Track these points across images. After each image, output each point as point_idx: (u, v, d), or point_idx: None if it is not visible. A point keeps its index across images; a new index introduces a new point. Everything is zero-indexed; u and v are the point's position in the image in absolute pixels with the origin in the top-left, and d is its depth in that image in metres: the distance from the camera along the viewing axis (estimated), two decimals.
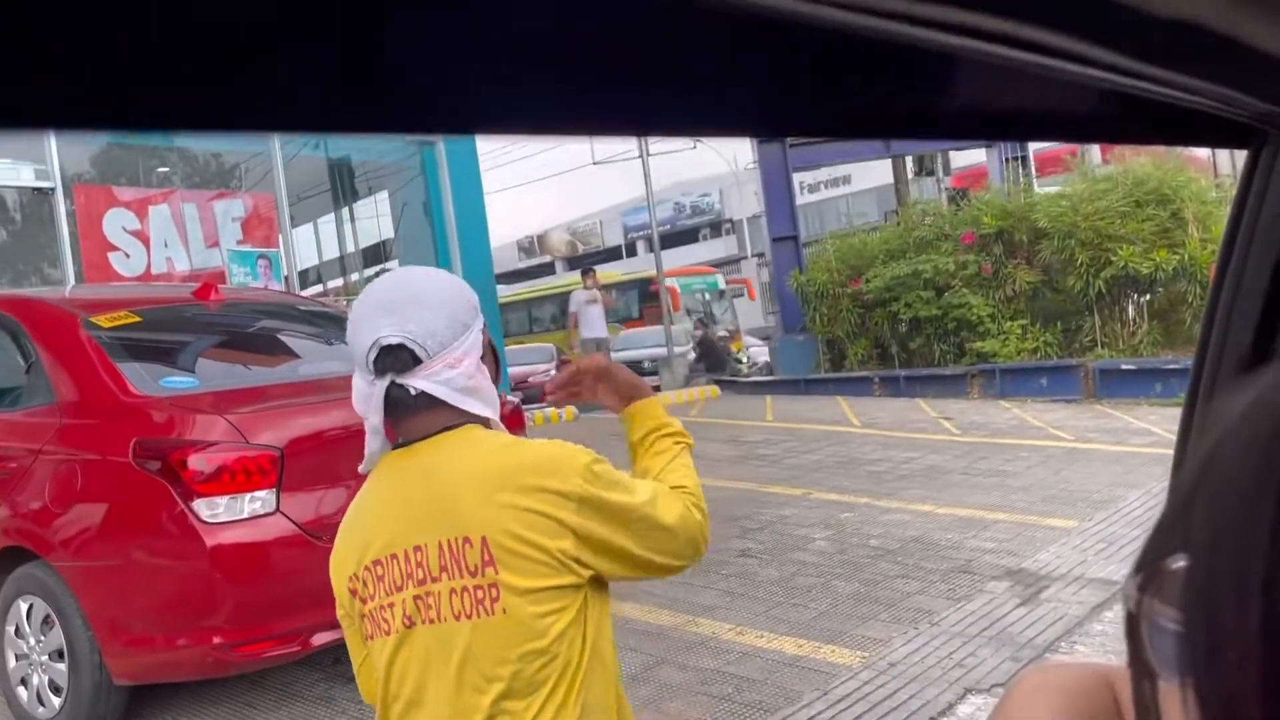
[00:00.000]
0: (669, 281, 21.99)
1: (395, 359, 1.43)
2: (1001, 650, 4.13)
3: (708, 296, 23.73)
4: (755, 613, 4.78)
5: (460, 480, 1.41)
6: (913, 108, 0.57)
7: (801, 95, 0.52)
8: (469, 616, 1.38)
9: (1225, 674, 0.35)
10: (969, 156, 17.64)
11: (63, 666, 3.67)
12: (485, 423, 1.49)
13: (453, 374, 1.44)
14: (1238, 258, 0.71)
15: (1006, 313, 12.20)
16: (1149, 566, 0.41)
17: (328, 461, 3.64)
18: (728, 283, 25.46)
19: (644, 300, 23.12)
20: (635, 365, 18.19)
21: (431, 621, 1.40)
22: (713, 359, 17.46)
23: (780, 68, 0.49)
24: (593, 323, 14.21)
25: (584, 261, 42.25)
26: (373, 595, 1.44)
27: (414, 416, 1.46)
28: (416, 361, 1.44)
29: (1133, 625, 0.42)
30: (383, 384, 1.43)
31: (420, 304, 1.46)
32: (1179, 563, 0.39)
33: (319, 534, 3.50)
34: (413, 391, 1.44)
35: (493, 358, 1.53)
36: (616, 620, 4.92)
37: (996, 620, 4.48)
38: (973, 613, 4.59)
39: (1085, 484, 6.82)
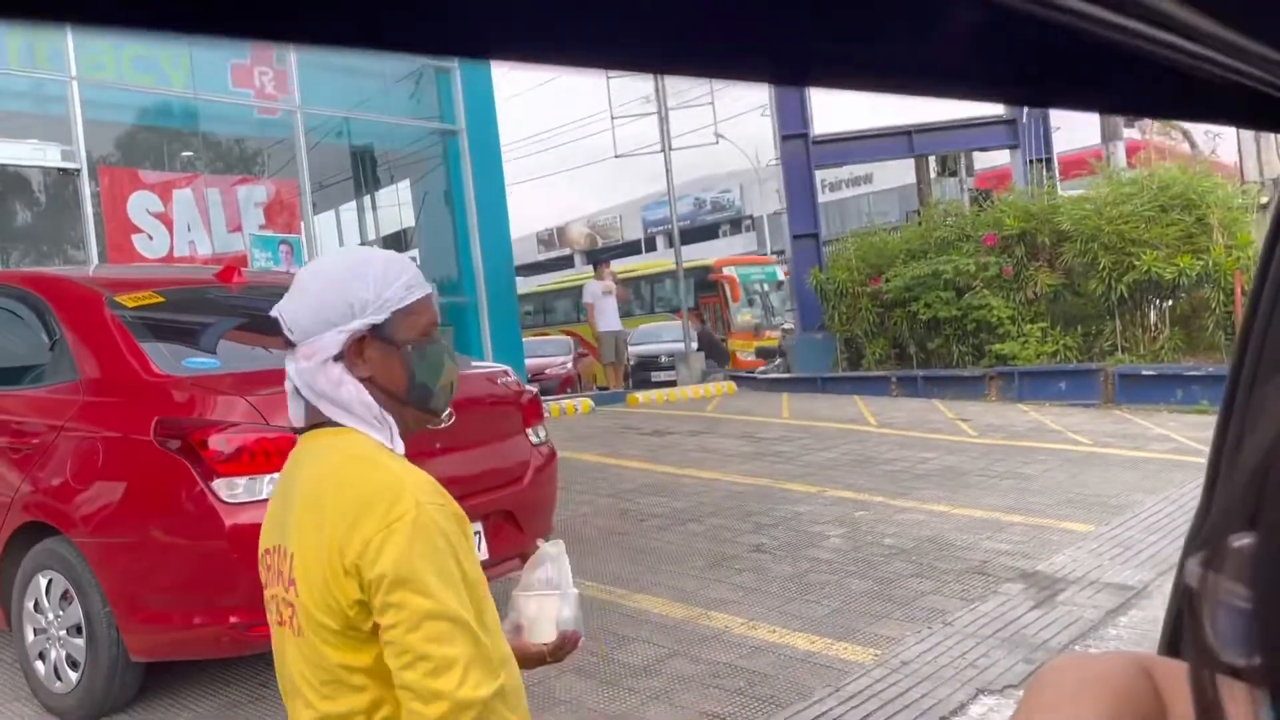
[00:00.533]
0: (727, 270, 21.83)
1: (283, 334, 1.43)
2: (1015, 652, 4.11)
3: (766, 287, 22.27)
4: (768, 608, 4.78)
5: (301, 487, 1.37)
6: (953, 61, 0.56)
7: (826, 39, 0.51)
8: (286, 626, 1.38)
9: None
10: (992, 158, 17.52)
11: (80, 642, 3.70)
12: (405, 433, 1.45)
13: (305, 365, 1.39)
14: (1276, 265, 0.70)
15: (1027, 315, 12.12)
16: (1213, 545, 0.40)
17: None
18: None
19: (701, 290, 21.67)
20: (652, 360, 18.17)
21: (279, 623, 1.41)
22: (710, 354, 17.24)
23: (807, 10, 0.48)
24: (608, 315, 14.26)
25: (603, 255, 42.31)
26: (265, 584, 1.45)
27: (299, 401, 1.43)
28: (289, 343, 1.42)
29: (1194, 604, 0.41)
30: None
31: (302, 286, 1.42)
32: (1244, 540, 0.38)
33: None
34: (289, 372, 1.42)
35: (401, 369, 1.43)
36: (629, 612, 4.93)
37: (1010, 622, 4.46)
38: (986, 614, 4.57)
39: (1102, 488, 6.78)
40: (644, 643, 4.42)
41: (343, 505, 1.31)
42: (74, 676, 3.77)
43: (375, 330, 1.40)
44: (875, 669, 4.00)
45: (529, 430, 4.39)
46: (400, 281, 1.42)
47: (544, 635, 1.55)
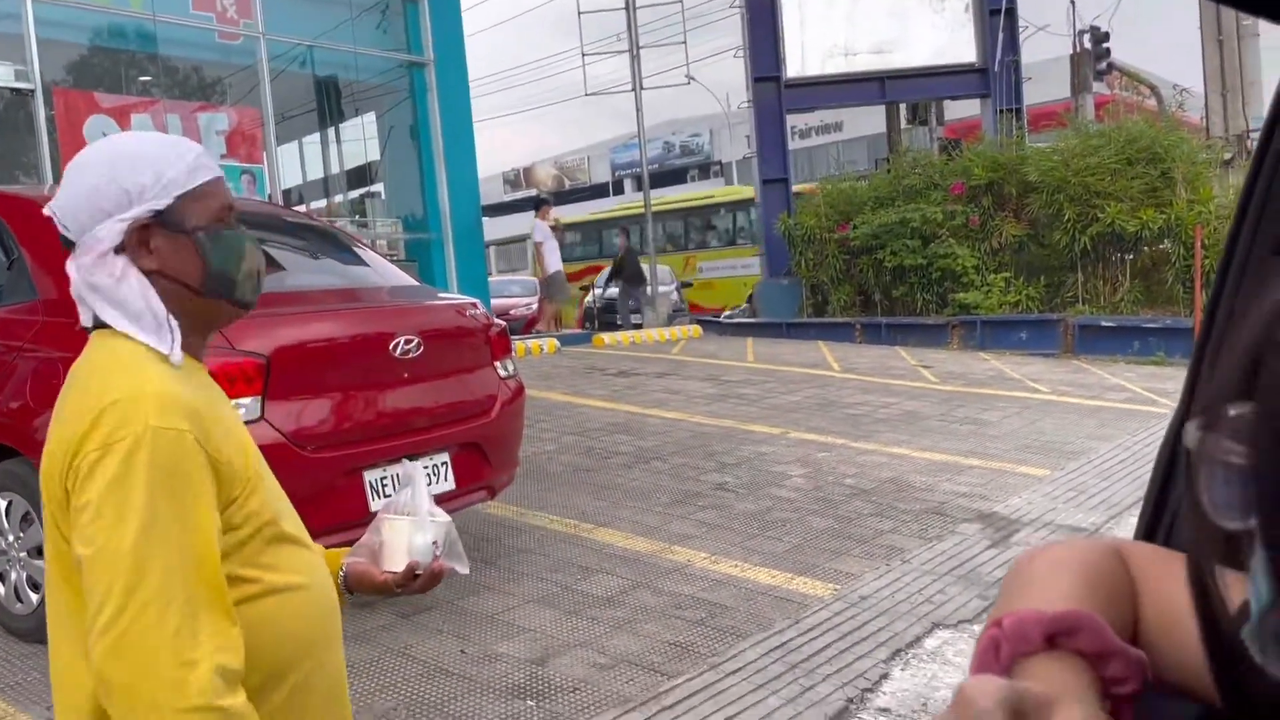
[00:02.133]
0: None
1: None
2: (970, 589, 4.22)
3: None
4: (731, 543, 4.85)
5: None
6: None
7: None
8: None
9: None
10: (963, 108, 17.50)
11: (41, 563, 3.68)
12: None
13: (84, 261, 1.26)
14: (1266, 171, 0.71)
15: (991, 265, 12.23)
16: (1211, 412, 0.41)
17: (314, 371, 3.63)
18: None
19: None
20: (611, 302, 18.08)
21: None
22: (630, 273, 15.78)
23: None
24: (556, 255, 14.12)
25: (569, 198, 41.89)
26: None
27: (84, 303, 1.30)
28: (68, 244, 1.28)
29: (1191, 467, 0.42)
30: None
31: (71, 177, 1.29)
32: (1242, 408, 0.39)
33: (304, 443, 3.50)
34: None
35: (195, 258, 1.29)
36: (593, 546, 4.99)
37: (966, 560, 4.57)
38: (943, 552, 4.68)
39: (1059, 435, 6.91)
40: (607, 575, 4.47)
41: (69, 415, 1.21)
42: (35, 598, 3.75)
43: (159, 217, 1.26)
44: (834, 603, 4.09)
45: (497, 363, 4.38)
46: (183, 164, 1.28)
47: (392, 563, 1.43)
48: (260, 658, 1.22)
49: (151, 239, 1.26)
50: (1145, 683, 0.52)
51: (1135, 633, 0.58)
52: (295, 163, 14.45)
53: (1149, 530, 0.72)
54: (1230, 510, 0.40)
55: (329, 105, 13.42)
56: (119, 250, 1.25)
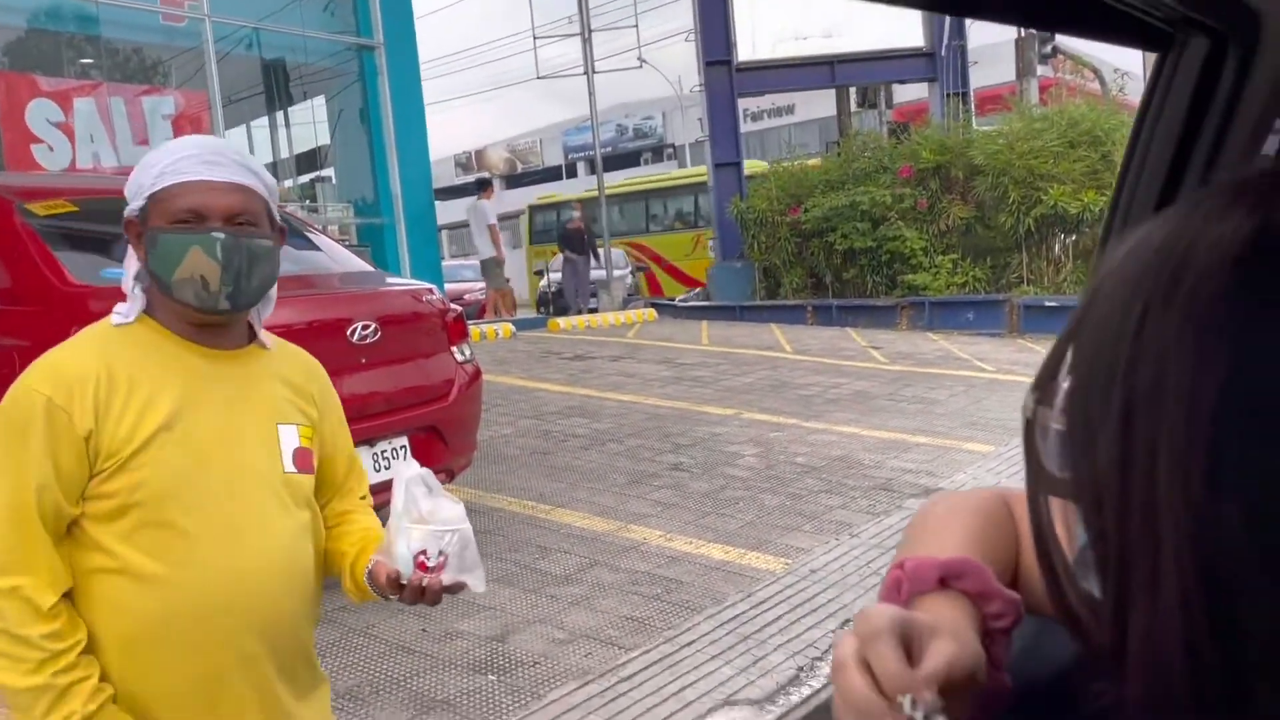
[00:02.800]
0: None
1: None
2: None
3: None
4: (685, 521, 4.96)
5: None
6: None
7: None
8: None
9: (1095, 458, 0.45)
10: (911, 91, 17.74)
11: None
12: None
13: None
14: (1143, 144, 0.81)
15: (939, 247, 12.47)
16: (1044, 385, 0.50)
17: None
18: None
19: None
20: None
21: None
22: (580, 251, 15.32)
23: None
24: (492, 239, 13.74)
25: (521, 181, 41.67)
26: None
27: None
28: None
29: (1029, 432, 0.51)
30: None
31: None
32: (1066, 381, 0.48)
33: None
34: None
35: (144, 256, 1.41)
36: (551, 526, 5.06)
37: None
38: (890, 527, 4.82)
39: (1004, 413, 7.12)
40: (565, 554, 4.56)
41: None
42: None
43: (139, 216, 1.41)
44: (785, 576, 4.21)
45: (454, 348, 4.43)
46: (157, 168, 1.39)
47: (396, 564, 1.38)
48: (113, 631, 1.33)
49: (140, 233, 1.41)
50: (1019, 618, 0.62)
51: (1017, 571, 0.68)
52: (243, 147, 14.26)
53: None
54: (1054, 464, 0.49)
55: (277, 88, 13.26)
56: (129, 238, 1.44)
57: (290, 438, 1.47)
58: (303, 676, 1.50)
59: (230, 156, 1.41)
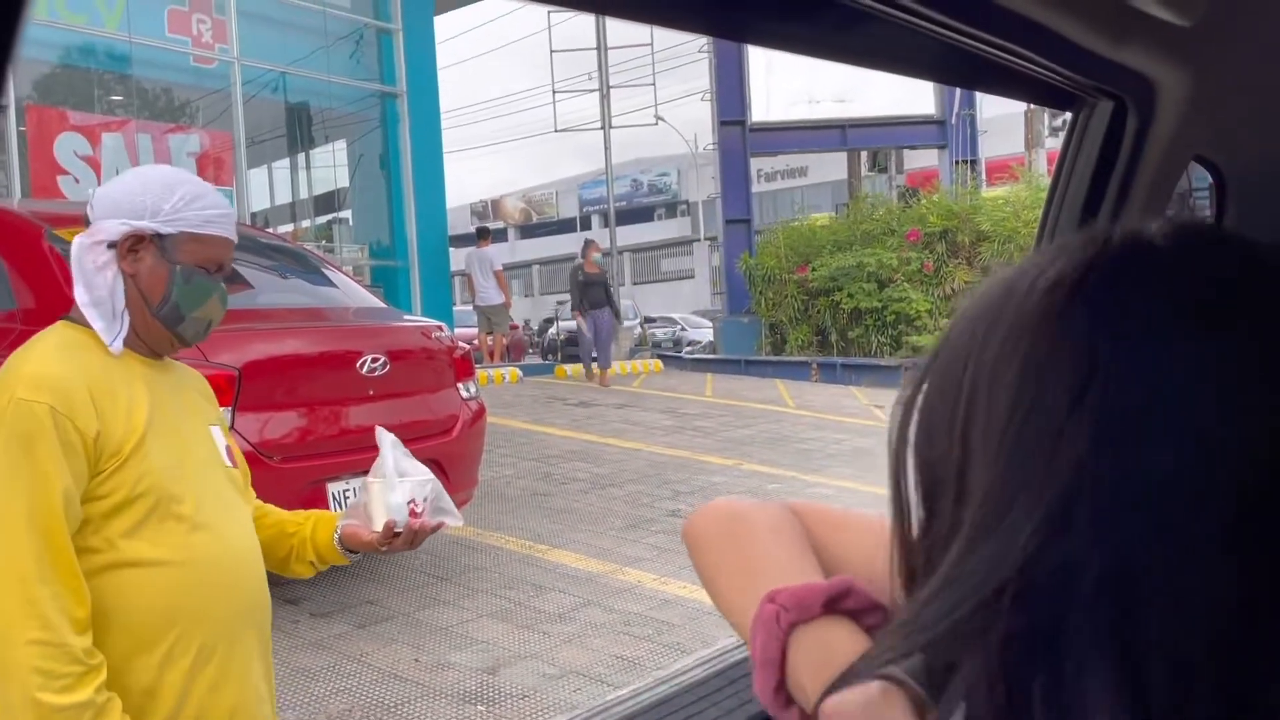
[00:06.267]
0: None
1: None
2: None
3: None
4: (680, 566, 5.01)
5: None
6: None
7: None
8: None
9: (935, 444, 0.51)
10: (926, 158, 18.03)
11: None
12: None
13: (84, 240, 1.48)
14: (1057, 198, 0.92)
15: (944, 310, 12.60)
16: (910, 395, 0.55)
17: (284, 385, 3.78)
18: None
19: None
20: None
21: None
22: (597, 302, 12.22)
23: None
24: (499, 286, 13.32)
25: (536, 232, 42.12)
26: None
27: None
28: (87, 221, 1.51)
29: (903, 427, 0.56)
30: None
31: (123, 176, 1.55)
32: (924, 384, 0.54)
33: (271, 453, 3.64)
34: None
35: (164, 283, 1.47)
36: (547, 566, 5.11)
37: None
38: None
39: None
40: (560, 593, 4.62)
41: None
42: None
43: (158, 238, 1.45)
44: None
45: (460, 385, 4.54)
46: (205, 211, 1.47)
47: (374, 523, 1.57)
48: (122, 623, 1.37)
49: (142, 250, 1.46)
50: (887, 620, 0.62)
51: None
52: (264, 187, 14.55)
53: None
54: (915, 451, 0.53)
55: (300, 131, 13.57)
56: (111, 245, 1.44)
57: (219, 437, 1.59)
58: (269, 656, 1.60)
59: (233, 218, 1.54)
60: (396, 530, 1.56)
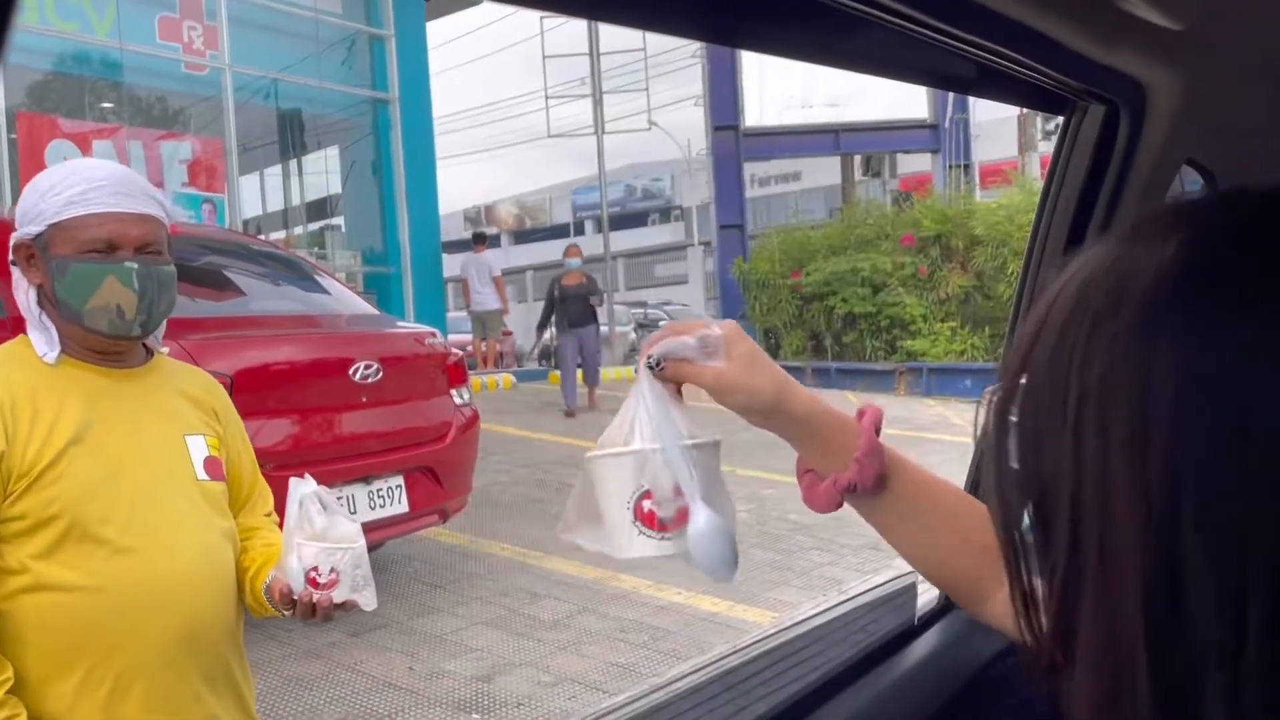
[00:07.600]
0: None
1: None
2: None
3: None
4: (675, 572, 5.00)
5: None
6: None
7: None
8: None
9: (1043, 453, 0.49)
10: (918, 162, 18.07)
11: None
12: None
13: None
14: (1050, 200, 0.92)
15: (938, 314, 12.62)
16: (1006, 385, 0.54)
17: (276, 392, 3.76)
18: None
19: None
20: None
21: None
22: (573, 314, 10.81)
23: None
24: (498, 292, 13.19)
25: (529, 237, 42.09)
26: None
27: None
28: None
29: (989, 425, 0.55)
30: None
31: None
32: (1024, 380, 0.53)
33: (263, 461, 3.60)
34: None
35: (48, 284, 1.40)
36: (542, 573, 5.10)
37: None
38: (879, 585, 4.86)
39: None
40: (555, 600, 4.61)
41: None
42: None
43: (36, 240, 1.39)
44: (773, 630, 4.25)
45: (453, 391, 4.53)
46: (63, 196, 1.38)
47: (288, 579, 1.40)
48: (36, 648, 1.33)
49: (35, 258, 1.41)
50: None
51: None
52: (256, 193, 14.53)
53: (973, 486, 0.92)
54: (1013, 456, 0.52)
55: (291, 137, 13.55)
56: (14, 260, 1.42)
57: (199, 447, 1.51)
58: (231, 679, 1.52)
59: (140, 187, 1.44)
60: (292, 598, 1.37)
